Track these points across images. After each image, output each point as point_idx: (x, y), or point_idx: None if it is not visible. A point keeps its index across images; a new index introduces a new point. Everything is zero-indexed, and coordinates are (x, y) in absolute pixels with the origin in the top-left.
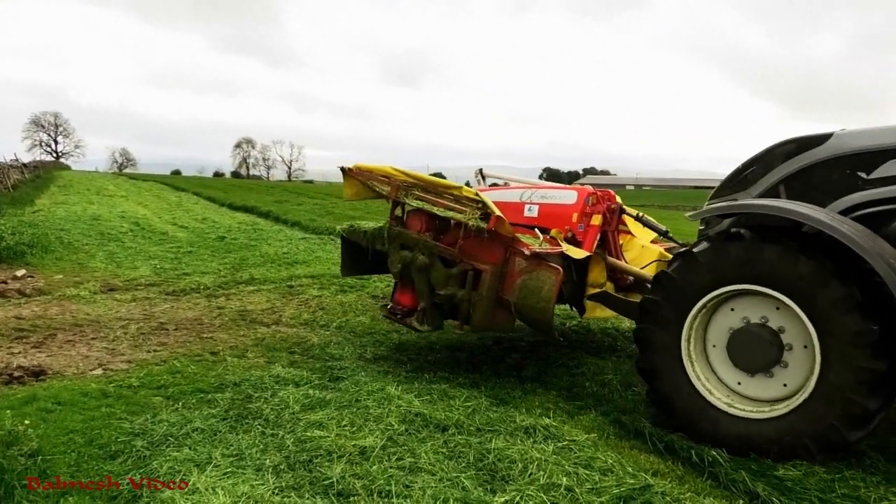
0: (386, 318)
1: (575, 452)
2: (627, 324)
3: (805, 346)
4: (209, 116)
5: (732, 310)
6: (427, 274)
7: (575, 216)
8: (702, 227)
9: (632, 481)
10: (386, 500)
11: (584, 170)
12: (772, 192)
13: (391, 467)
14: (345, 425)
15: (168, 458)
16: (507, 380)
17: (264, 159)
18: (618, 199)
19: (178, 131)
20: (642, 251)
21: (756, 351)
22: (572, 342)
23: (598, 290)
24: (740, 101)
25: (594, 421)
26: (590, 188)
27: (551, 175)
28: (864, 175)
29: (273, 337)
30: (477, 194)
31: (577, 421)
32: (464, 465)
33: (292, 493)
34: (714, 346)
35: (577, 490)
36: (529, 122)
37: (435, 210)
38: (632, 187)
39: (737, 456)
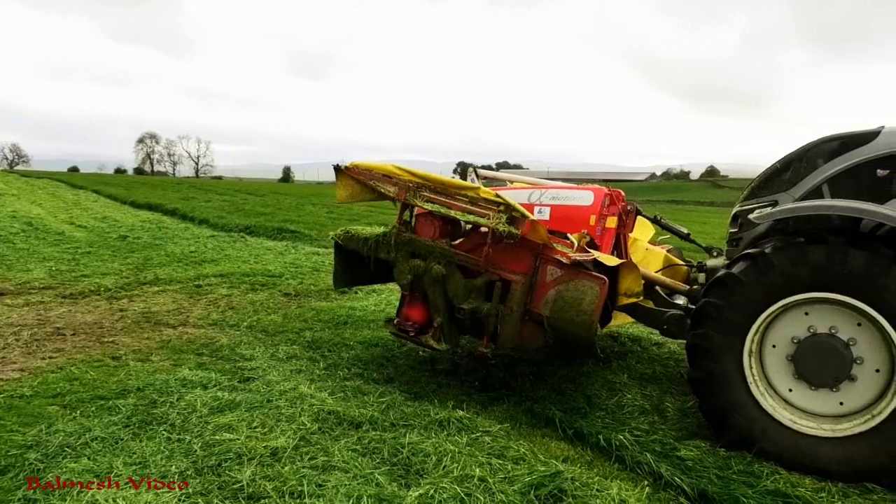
0: (394, 335)
1: (488, 443)
2: None
3: (877, 370)
4: (108, 110)
5: (807, 314)
6: (444, 285)
7: (593, 218)
8: (734, 230)
9: (543, 468)
10: (298, 500)
11: (497, 164)
12: (815, 193)
13: (304, 467)
14: (255, 427)
15: (64, 469)
16: (421, 374)
17: (169, 155)
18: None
19: (74, 126)
20: (647, 254)
21: (826, 363)
22: None
23: (633, 300)
24: (644, 96)
25: (507, 411)
26: (604, 188)
27: (466, 170)
28: None
29: (179, 339)
30: (498, 195)
31: (491, 412)
32: (378, 460)
33: (200, 500)
34: (772, 354)
35: (490, 480)
36: (441, 117)
37: (454, 214)
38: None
39: (795, 471)
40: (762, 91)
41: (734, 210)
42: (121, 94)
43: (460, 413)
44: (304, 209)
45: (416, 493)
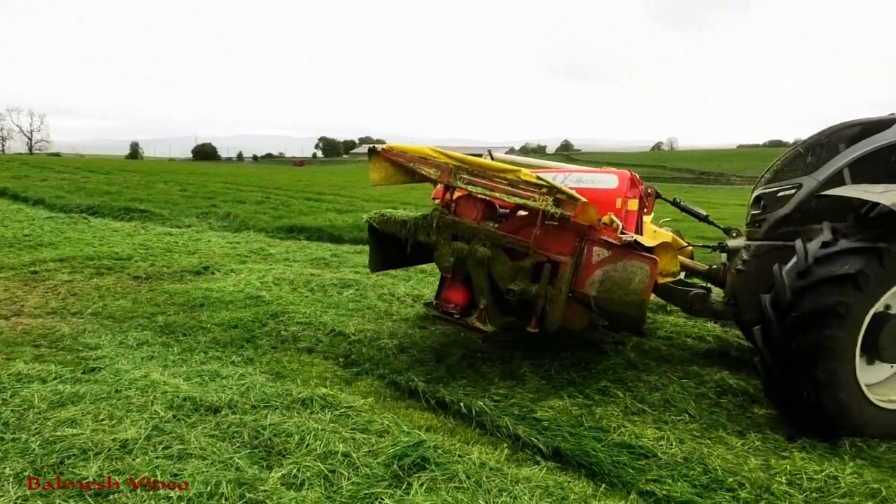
0: (437, 318)
1: (352, 418)
2: (403, 289)
3: None
4: None
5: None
6: (489, 268)
7: (619, 202)
8: (756, 212)
9: (406, 439)
10: (151, 492)
11: (360, 139)
12: (837, 177)
13: (157, 457)
14: (102, 419)
15: None
16: (284, 353)
17: None
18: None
19: None
20: (656, 235)
21: None
22: (349, 310)
23: (669, 279)
24: (502, 70)
25: (371, 385)
26: (627, 171)
27: (328, 145)
28: None
29: (13, 330)
30: (539, 178)
31: (355, 387)
32: (238, 444)
33: (39, 501)
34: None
35: (354, 455)
36: (296, 91)
37: (498, 196)
38: None
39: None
40: (618, 67)
41: (756, 192)
42: None
43: (323, 390)
44: (155, 187)
45: (279, 474)
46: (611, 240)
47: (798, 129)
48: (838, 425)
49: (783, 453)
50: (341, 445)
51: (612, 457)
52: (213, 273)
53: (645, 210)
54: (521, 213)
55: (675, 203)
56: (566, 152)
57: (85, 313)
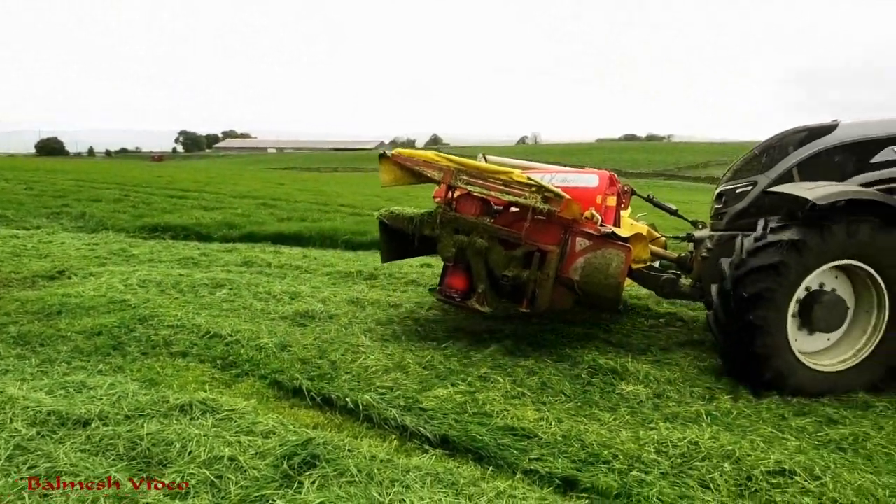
0: (440, 301)
1: (236, 421)
2: (279, 287)
3: (866, 311)
4: None
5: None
6: (486, 257)
7: (599, 198)
8: (718, 206)
9: (294, 438)
10: None
11: (224, 133)
12: (787, 175)
13: (22, 479)
14: None
15: None
16: (156, 359)
17: None
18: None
19: None
20: (632, 228)
21: (831, 314)
22: (224, 311)
23: (641, 266)
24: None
25: (252, 387)
26: (606, 172)
27: (189, 139)
28: (867, 160)
29: None
30: (529, 178)
31: (236, 389)
32: (113, 457)
33: None
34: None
35: (240, 458)
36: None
37: (494, 195)
38: (274, 150)
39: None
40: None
41: (718, 189)
42: None
43: (203, 395)
44: None
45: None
46: (591, 231)
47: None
48: (779, 386)
49: (650, 425)
50: (227, 450)
51: (497, 440)
52: (69, 277)
53: (622, 205)
54: (514, 209)
55: (648, 199)
56: (435, 146)
57: None
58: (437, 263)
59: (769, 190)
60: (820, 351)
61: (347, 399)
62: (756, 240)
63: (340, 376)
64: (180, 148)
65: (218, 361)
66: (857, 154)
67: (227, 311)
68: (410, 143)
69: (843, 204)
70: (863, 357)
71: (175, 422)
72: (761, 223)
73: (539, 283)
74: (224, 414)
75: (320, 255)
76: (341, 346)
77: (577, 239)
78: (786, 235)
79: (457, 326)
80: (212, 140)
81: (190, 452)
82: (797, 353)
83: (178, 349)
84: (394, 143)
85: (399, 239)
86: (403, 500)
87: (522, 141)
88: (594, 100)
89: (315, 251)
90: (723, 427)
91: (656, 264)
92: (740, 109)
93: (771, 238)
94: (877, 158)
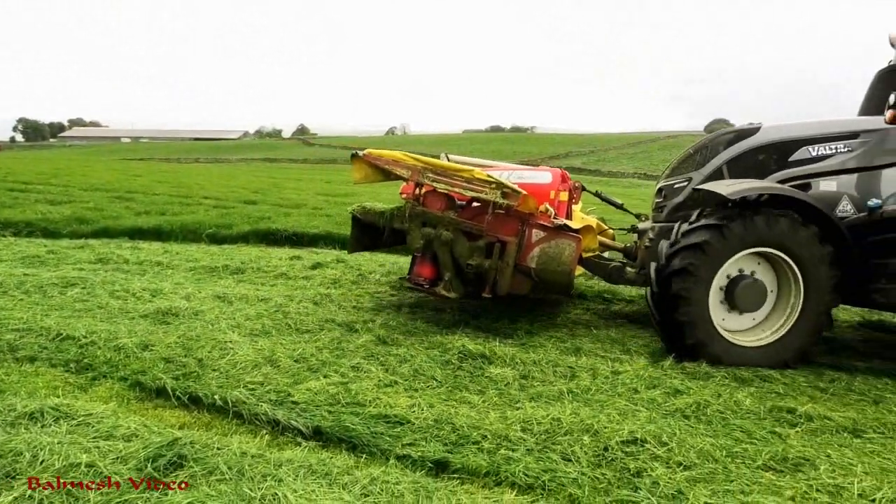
0: (410, 288)
1: (93, 426)
2: (138, 284)
3: (786, 297)
4: None
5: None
6: (451, 248)
7: (552, 193)
8: (659, 200)
9: (158, 440)
10: None
11: (70, 121)
12: (717, 173)
13: None
14: None
15: None
16: (0, 365)
17: None
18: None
19: None
20: (584, 221)
21: (750, 295)
22: (77, 311)
23: (590, 254)
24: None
25: (111, 389)
26: (558, 169)
27: (29, 127)
28: (786, 158)
29: None
30: (489, 176)
31: (93, 393)
32: None
33: None
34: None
35: (99, 464)
36: None
37: (457, 191)
38: (128, 140)
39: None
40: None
41: (659, 184)
42: None
43: (55, 400)
44: None
45: (10, 499)
46: (546, 223)
47: (513, 117)
48: (699, 354)
49: (517, 405)
50: (84, 456)
51: (370, 428)
52: None
53: (574, 200)
54: (476, 204)
55: (596, 194)
56: (302, 136)
57: None
58: (306, 256)
59: (696, 187)
60: (745, 329)
61: (216, 396)
62: (689, 223)
63: (208, 374)
64: (20, 137)
65: (71, 365)
66: (778, 153)
67: (80, 312)
68: (277, 133)
69: (767, 198)
70: (777, 336)
71: (24, 430)
72: (696, 213)
73: (500, 270)
74: (80, 419)
75: (182, 250)
76: (208, 342)
77: (533, 231)
78: (713, 220)
79: (328, 318)
80: (56, 129)
81: (42, 462)
82: (718, 326)
83: (24, 354)
84: (259, 133)
85: (369, 232)
86: (276, 493)
87: (391, 132)
88: (458, 92)
89: (177, 246)
90: (583, 403)
91: (605, 254)
92: (619, 105)
93: (702, 223)
94: (794, 157)
